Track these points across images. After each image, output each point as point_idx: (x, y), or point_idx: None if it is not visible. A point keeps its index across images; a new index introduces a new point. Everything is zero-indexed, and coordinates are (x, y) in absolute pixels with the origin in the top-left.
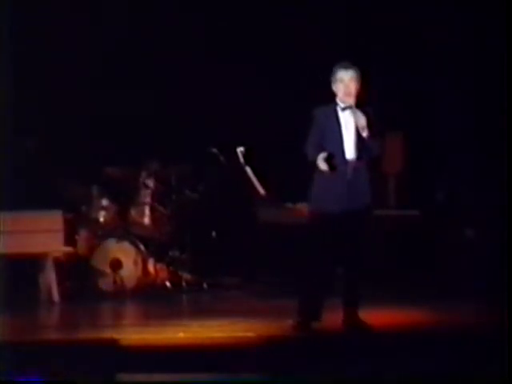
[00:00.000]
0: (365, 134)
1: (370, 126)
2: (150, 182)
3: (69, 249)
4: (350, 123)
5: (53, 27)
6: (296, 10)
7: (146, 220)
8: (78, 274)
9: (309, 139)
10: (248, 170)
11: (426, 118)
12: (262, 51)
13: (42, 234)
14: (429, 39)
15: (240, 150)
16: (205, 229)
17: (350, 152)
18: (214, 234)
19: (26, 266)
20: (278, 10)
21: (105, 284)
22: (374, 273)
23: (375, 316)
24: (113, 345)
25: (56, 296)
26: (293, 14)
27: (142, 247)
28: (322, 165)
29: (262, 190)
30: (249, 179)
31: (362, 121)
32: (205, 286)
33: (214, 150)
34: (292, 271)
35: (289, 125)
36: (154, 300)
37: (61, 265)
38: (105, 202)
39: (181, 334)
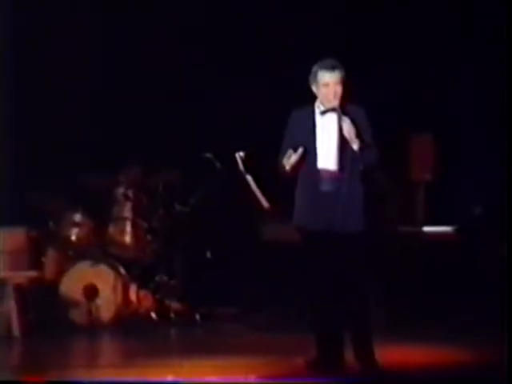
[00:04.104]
0: (355, 146)
1: (359, 135)
2: (132, 193)
3: (33, 273)
4: (328, 128)
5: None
6: (297, 12)
7: (127, 238)
8: (45, 304)
9: (281, 149)
10: (249, 178)
11: (458, 116)
12: (262, 49)
13: (1, 256)
14: (459, 36)
15: (239, 155)
16: (197, 249)
17: (324, 161)
18: (208, 255)
19: None
20: (274, 13)
21: (77, 315)
22: (397, 301)
23: (394, 350)
24: None
25: (17, 330)
26: (292, 16)
27: (122, 271)
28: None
29: (265, 203)
30: (250, 190)
31: (352, 132)
32: (197, 317)
33: (209, 155)
34: (300, 300)
35: None
36: (136, 334)
37: (23, 292)
38: (77, 217)
39: (169, 376)
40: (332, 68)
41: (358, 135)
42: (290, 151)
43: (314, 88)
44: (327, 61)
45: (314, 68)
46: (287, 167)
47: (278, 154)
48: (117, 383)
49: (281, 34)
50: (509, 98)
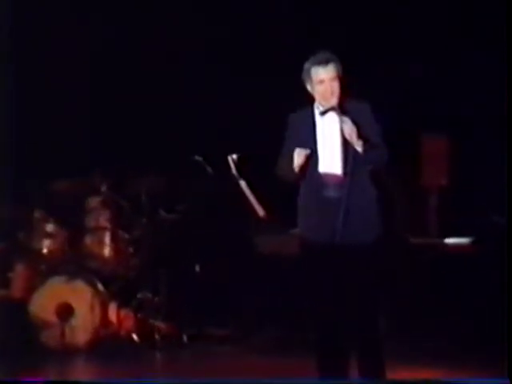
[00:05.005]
0: (359, 148)
1: (362, 135)
2: (111, 200)
3: None
4: (329, 129)
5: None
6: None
7: (106, 251)
8: (13, 325)
9: (281, 155)
10: (242, 183)
11: (476, 115)
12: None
13: None
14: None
15: (232, 157)
16: (185, 262)
17: (327, 165)
18: (197, 268)
19: None
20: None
21: (50, 338)
22: (407, 320)
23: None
24: None
25: None
26: (291, 15)
27: (100, 287)
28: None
29: (260, 211)
30: (244, 196)
31: (353, 133)
32: (185, 339)
33: (198, 158)
34: (301, 318)
35: None
36: (116, 358)
37: None
38: (50, 227)
39: None
40: (325, 62)
41: (361, 136)
42: (298, 150)
43: (308, 87)
44: (320, 54)
45: (306, 65)
46: (297, 169)
47: (274, 156)
48: (116, 383)
49: (280, 32)
50: None
